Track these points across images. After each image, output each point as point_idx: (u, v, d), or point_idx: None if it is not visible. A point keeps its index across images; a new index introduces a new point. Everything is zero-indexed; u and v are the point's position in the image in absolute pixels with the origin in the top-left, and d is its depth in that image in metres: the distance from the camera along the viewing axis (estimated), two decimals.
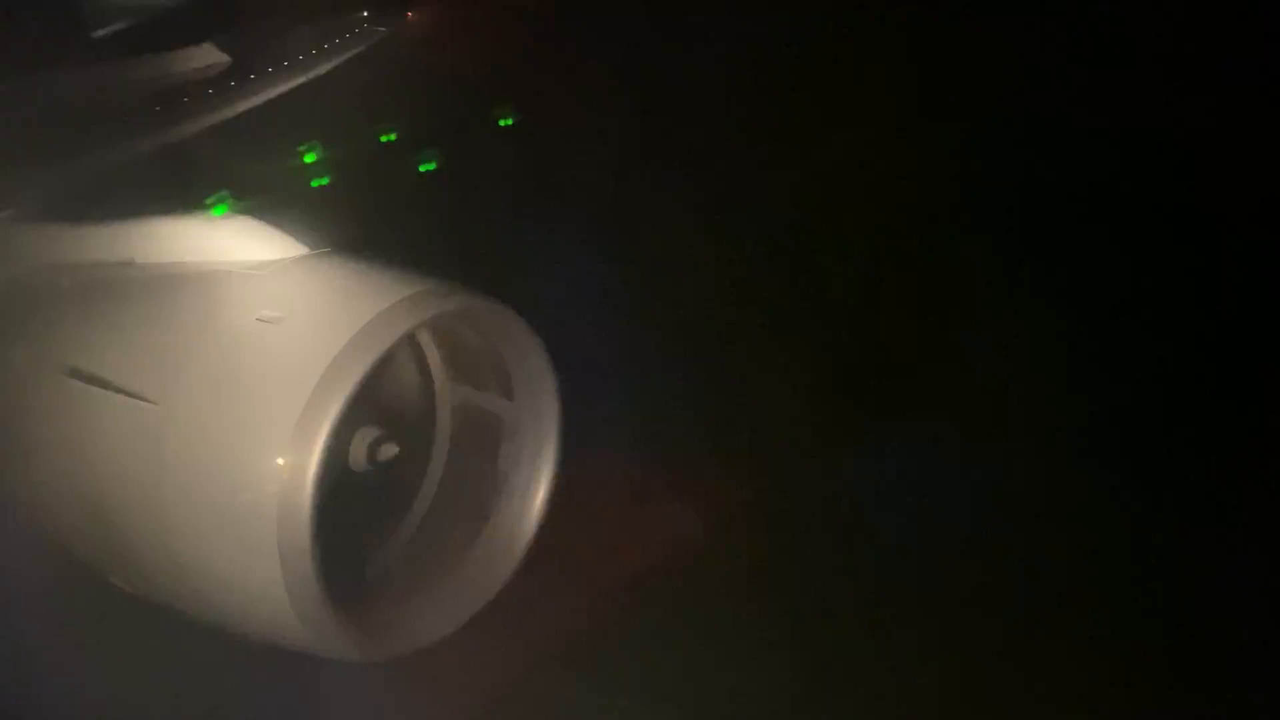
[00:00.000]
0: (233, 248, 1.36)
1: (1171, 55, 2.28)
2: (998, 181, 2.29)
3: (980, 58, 2.37)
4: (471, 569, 1.38)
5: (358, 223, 1.58)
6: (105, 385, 1.25)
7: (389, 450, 1.30)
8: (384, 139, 1.97)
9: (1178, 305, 2.20)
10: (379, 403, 1.32)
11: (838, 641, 1.87)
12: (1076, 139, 2.32)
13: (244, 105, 1.77)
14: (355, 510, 1.31)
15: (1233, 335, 2.17)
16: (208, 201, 1.58)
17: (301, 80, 1.84)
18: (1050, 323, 2.19)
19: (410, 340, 1.38)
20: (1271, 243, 2.21)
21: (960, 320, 2.19)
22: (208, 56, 1.78)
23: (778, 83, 2.39)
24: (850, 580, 1.96)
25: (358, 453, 1.28)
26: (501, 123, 2.06)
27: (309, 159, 1.87)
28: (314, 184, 1.85)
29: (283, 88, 1.82)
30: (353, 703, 1.49)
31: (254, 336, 1.23)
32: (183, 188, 1.58)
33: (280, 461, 1.15)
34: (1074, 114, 2.32)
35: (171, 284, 1.33)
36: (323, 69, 1.86)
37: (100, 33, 1.69)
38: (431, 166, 1.89)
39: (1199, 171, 2.25)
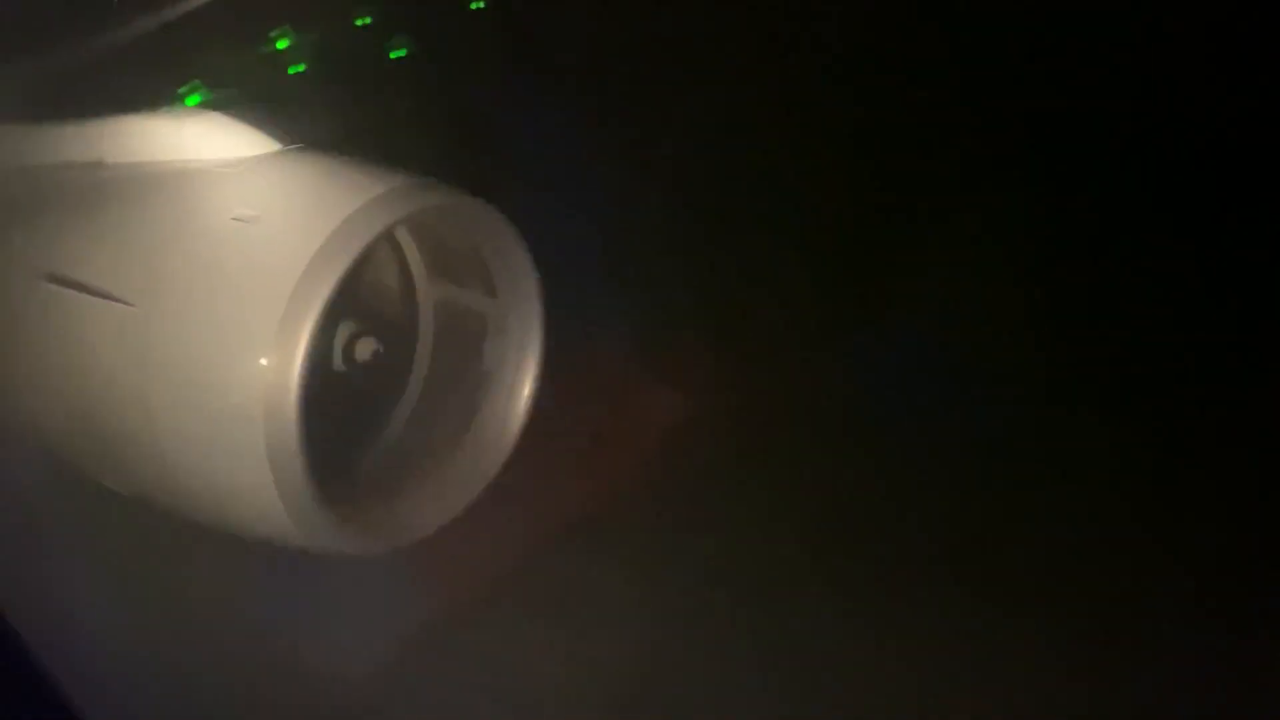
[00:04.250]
0: (205, 145, 1.34)
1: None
2: (993, 84, 2.21)
3: None
4: (460, 464, 1.40)
5: (332, 115, 1.54)
6: (83, 289, 1.24)
7: (373, 348, 1.30)
8: (359, 23, 1.89)
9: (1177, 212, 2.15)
10: (360, 302, 1.32)
11: (827, 524, 1.91)
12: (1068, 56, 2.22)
13: None
14: (342, 409, 1.33)
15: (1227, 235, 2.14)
16: (180, 92, 1.54)
17: None
18: (1045, 211, 2.15)
19: (389, 238, 1.36)
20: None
21: (956, 208, 2.15)
22: None
23: None
24: (840, 464, 1.98)
25: (341, 352, 1.28)
26: (474, 4, 1.98)
27: (281, 45, 1.81)
28: (290, 71, 1.79)
29: None
30: (349, 595, 1.53)
31: (230, 236, 1.22)
32: (152, 81, 1.54)
33: (264, 362, 1.15)
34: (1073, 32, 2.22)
35: (144, 184, 1.31)
36: None
37: None
38: (403, 53, 1.83)
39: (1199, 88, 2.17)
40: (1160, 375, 2.04)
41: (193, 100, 1.54)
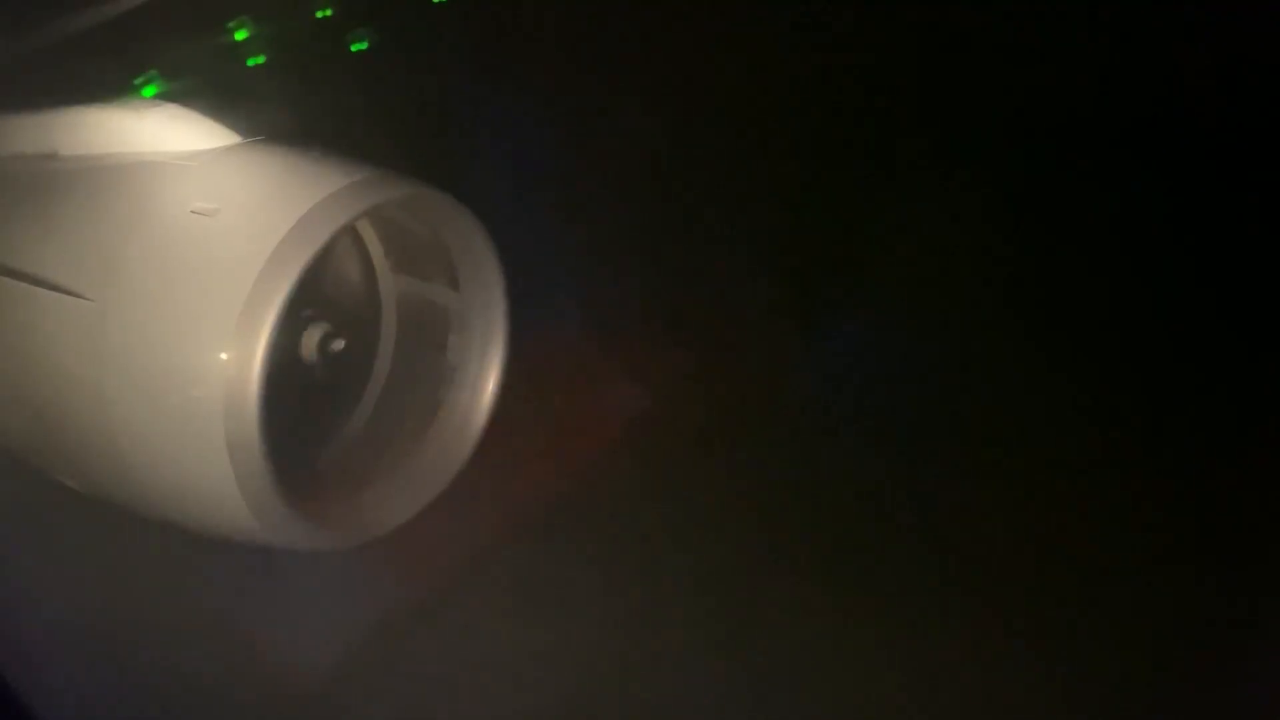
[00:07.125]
0: (162, 137, 1.32)
1: None
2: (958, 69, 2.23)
3: None
4: (425, 458, 1.40)
5: (293, 107, 1.53)
6: (37, 282, 1.22)
7: (335, 343, 1.30)
8: (320, 14, 1.88)
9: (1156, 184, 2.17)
10: (323, 296, 1.31)
11: (790, 516, 1.92)
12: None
13: None
14: (304, 404, 1.32)
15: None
16: (137, 83, 1.52)
17: None
18: (1010, 202, 2.16)
19: (352, 231, 1.35)
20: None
21: (918, 202, 2.17)
22: None
23: None
24: (803, 456, 2.00)
25: (303, 346, 1.28)
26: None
27: (240, 36, 1.79)
28: (250, 63, 1.77)
29: None
30: (312, 590, 1.52)
31: (189, 229, 1.20)
32: (108, 72, 1.51)
33: (224, 356, 1.14)
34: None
35: (100, 177, 1.29)
36: None
37: None
38: (364, 45, 1.82)
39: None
40: (1126, 367, 2.06)
41: (150, 91, 1.52)
